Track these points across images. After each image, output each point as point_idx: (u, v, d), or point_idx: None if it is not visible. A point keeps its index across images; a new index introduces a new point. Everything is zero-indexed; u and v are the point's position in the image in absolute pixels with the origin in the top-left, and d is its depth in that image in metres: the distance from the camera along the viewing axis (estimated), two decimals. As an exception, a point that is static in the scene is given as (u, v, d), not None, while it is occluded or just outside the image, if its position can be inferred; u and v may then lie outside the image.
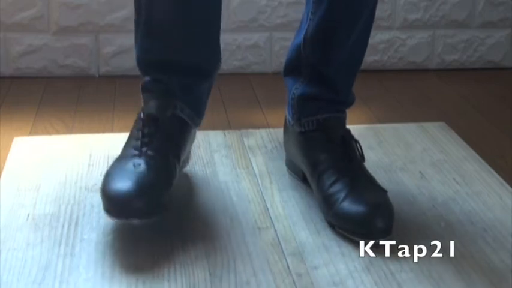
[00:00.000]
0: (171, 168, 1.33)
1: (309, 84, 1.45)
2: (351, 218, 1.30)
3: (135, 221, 1.24)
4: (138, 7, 1.38)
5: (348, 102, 1.47)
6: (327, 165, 1.38)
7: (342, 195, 1.32)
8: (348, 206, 1.31)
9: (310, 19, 1.40)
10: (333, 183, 1.35)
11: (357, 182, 1.34)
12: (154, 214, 1.26)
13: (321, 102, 1.44)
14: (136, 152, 1.31)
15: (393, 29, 2.27)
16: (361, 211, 1.29)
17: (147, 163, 1.29)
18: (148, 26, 1.37)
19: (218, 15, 1.40)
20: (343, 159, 1.38)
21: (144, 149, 1.31)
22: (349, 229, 1.30)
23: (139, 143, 1.33)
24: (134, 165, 1.29)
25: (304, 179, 1.47)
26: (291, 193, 1.47)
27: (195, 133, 1.48)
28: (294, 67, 1.47)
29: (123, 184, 1.24)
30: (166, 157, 1.32)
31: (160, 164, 1.31)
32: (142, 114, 1.36)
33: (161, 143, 1.33)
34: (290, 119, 1.49)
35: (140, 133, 1.34)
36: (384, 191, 1.34)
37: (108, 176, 1.29)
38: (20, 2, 2.14)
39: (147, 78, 1.41)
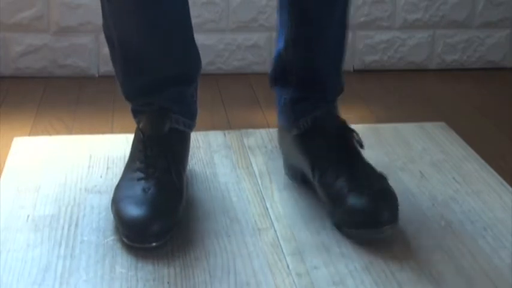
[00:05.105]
0: (179, 185, 1.34)
1: (297, 88, 1.47)
2: (357, 211, 1.29)
3: (153, 245, 1.26)
4: (108, 38, 1.41)
5: (337, 91, 1.48)
6: (326, 166, 1.37)
7: (344, 191, 1.32)
8: (353, 200, 1.30)
9: (289, 27, 1.42)
10: (334, 181, 1.35)
11: (356, 175, 1.34)
12: (169, 234, 1.28)
13: (313, 101, 1.45)
14: (143, 175, 1.32)
15: (393, 29, 2.27)
16: (365, 202, 1.29)
17: (156, 186, 1.31)
18: (125, 57, 1.40)
19: (188, 17, 1.41)
20: (340, 154, 1.38)
21: (151, 170, 1.33)
22: (357, 222, 1.29)
23: (144, 165, 1.34)
24: (144, 190, 1.30)
25: (303, 181, 1.47)
26: (291, 193, 1.46)
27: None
28: (279, 76, 1.49)
29: (138, 210, 1.27)
30: (173, 175, 1.33)
31: (168, 184, 1.32)
32: (142, 135, 1.38)
33: (166, 162, 1.34)
34: (285, 124, 1.49)
35: (143, 155, 1.35)
36: (383, 178, 1.34)
37: (120, 203, 1.30)
38: (20, 2, 2.14)
39: (136, 103, 1.44)
